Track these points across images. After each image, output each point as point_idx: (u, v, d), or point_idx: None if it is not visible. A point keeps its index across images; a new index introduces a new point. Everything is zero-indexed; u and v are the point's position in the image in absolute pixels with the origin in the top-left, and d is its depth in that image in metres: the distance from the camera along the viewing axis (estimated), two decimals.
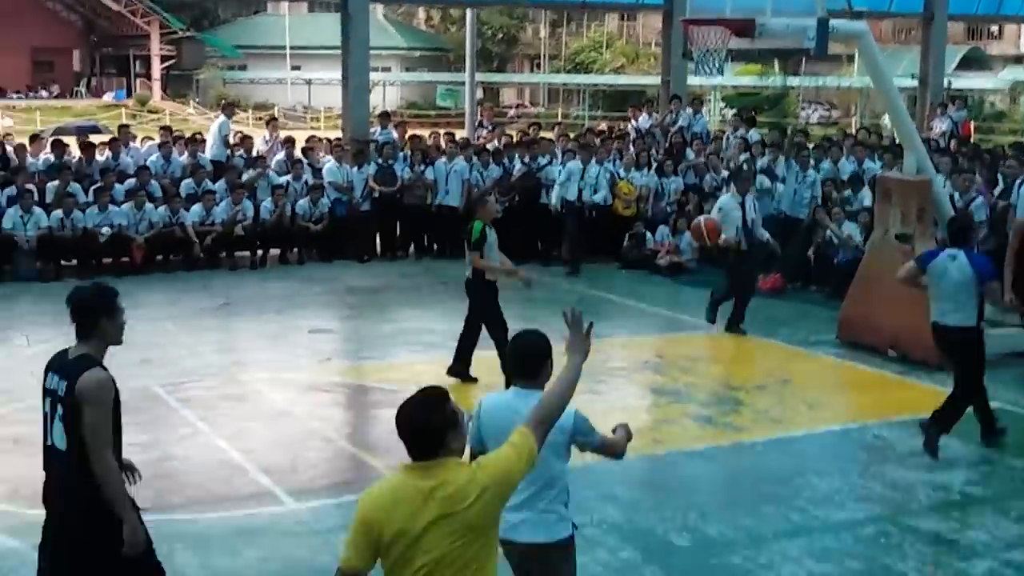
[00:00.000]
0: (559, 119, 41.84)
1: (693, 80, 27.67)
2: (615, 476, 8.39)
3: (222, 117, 19.90)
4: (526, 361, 5.00)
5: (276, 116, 22.00)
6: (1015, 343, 11.87)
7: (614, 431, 5.22)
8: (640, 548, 7.15)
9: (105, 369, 5.12)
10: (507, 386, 5.27)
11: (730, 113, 31.85)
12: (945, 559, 6.91)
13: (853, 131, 30.17)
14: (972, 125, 27.15)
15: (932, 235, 12.32)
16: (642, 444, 9.19)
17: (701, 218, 13.40)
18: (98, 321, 5.21)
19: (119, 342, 5.29)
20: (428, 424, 3.95)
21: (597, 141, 19.50)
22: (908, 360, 11.65)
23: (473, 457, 4.59)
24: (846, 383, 11.62)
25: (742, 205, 13.01)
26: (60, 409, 5.08)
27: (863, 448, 9.29)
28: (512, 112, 54.05)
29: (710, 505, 7.90)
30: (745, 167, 16.48)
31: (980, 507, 7.90)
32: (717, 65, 12.53)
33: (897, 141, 15.80)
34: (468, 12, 28.44)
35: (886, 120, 28.29)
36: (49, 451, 5.20)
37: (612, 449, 5.16)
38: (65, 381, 5.07)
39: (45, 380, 5.20)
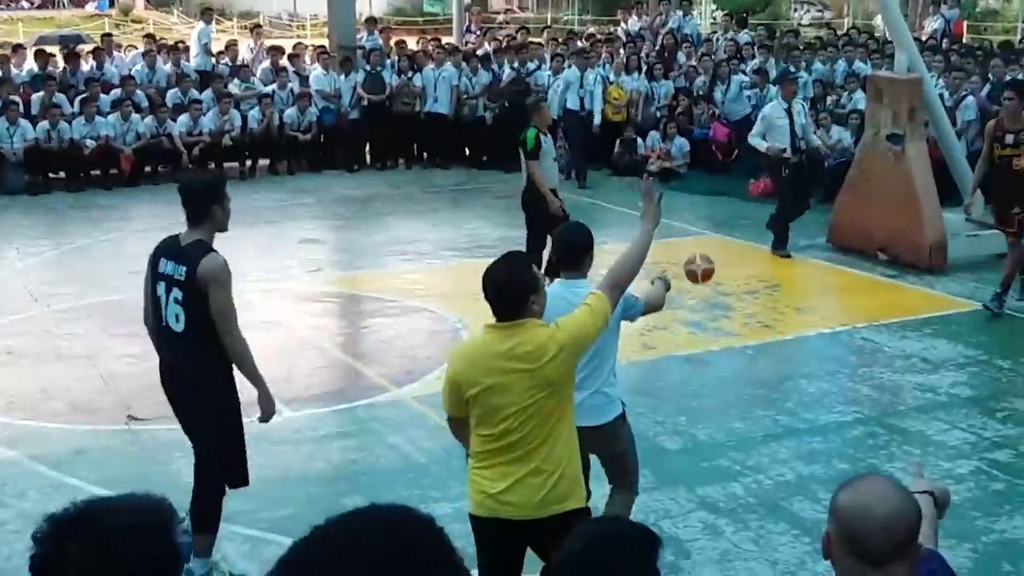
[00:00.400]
0: (548, 23, 41.24)
1: None
2: None
3: (201, 24, 19.64)
4: (572, 252, 5.23)
5: (260, 24, 21.62)
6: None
7: (652, 283, 5.60)
8: None
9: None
10: (551, 278, 5.51)
11: (721, 15, 31.37)
12: (932, 459, 7.00)
13: (845, 31, 29.92)
14: (964, 24, 26.82)
15: (924, 135, 12.29)
16: (633, 349, 9.28)
17: (698, 264, 12.53)
18: (210, 208, 5.46)
19: (226, 228, 5.60)
20: (512, 284, 4.28)
21: (587, 45, 19.24)
22: (899, 263, 11.69)
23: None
24: (836, 287, 11.67)
25: (788, 111, 12.10)
26: (178, 292, 5.36)
27: (852, 351, 9.36)
28: (501, 17, 53.24)
29: (700, 409, 7.98)
30: (792, 68, 15.53)
31: (967, 407, 7.98)
32: None
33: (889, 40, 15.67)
34: None
35: (878, 20, 27.96)
36: (165, 332, 5.50)
37: (655, 305, 5.57)
38: (184, 266, 5.33)
39: (157, 266, 5.46)
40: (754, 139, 12.48)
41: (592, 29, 29.79)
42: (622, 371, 8.74)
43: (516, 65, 18.00)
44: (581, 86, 16.79)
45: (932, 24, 21.64)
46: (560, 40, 20.99)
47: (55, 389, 8.33)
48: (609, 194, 15.92)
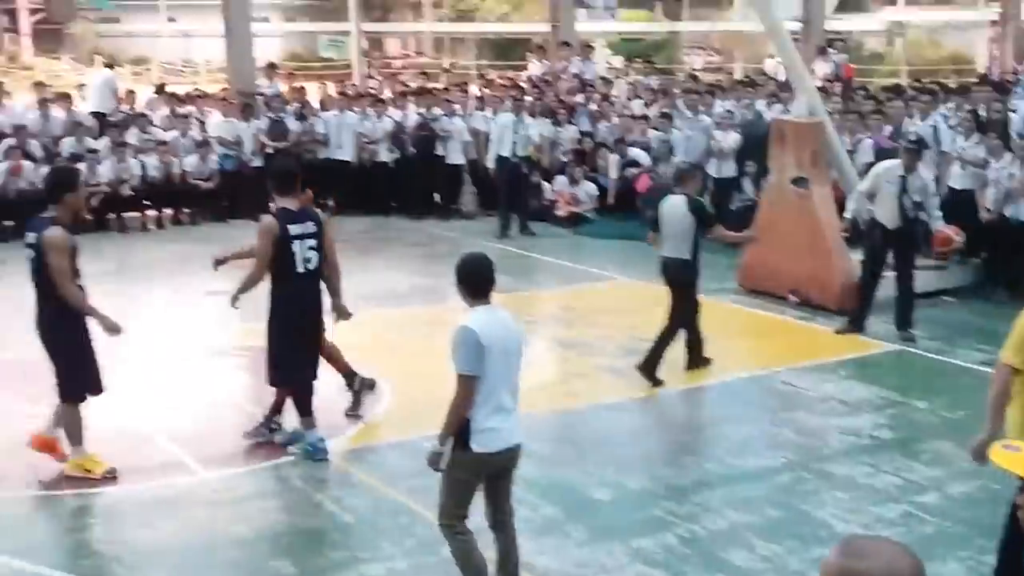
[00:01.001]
0: (448, 68, 41.39)
1: (580, 27, 27.63)
2: (530, 431, 8.25)
3: (108, 72, 19.25)
4: (490, 280, 5.65)
5: (165, 85, 21.23)
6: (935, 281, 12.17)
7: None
8: (561, 504, 7.13)
9: None
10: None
11: (618, 60, 31.82)
12: (861, 504, 7.03)
13: (738, 76, 30.55)
14: (852, 68, 27.59)
15: (829, 178, 12.50)
16: (555, 398, 9.23)
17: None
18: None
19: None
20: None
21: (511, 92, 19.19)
22: (810, 305, 11.84)
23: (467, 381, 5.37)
24: (751, 330, 11.75)
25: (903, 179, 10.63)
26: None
27: (773, 395, 9.41)
28: (399, 63, 53.30)
29: (628, 458, 7.91)
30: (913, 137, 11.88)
31: (890, 450, 8.05)
32: (608, 9, 12.37)
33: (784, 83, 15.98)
34: None
35: (768, 64, 28.58)
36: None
37: None
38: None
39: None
40: (856, 197, 11.29)
41: (493, 74, 29.88)
42: (546, 420, 8.76)
43: (422, 111, 17.91)
44: (515, 132, 16.13)
45: (823, 68, 22.17)
46: (463, 86, 21.03)
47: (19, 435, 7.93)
48: (518, 240, 15.89)
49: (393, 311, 12.01)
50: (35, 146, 16.43)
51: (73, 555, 6.61)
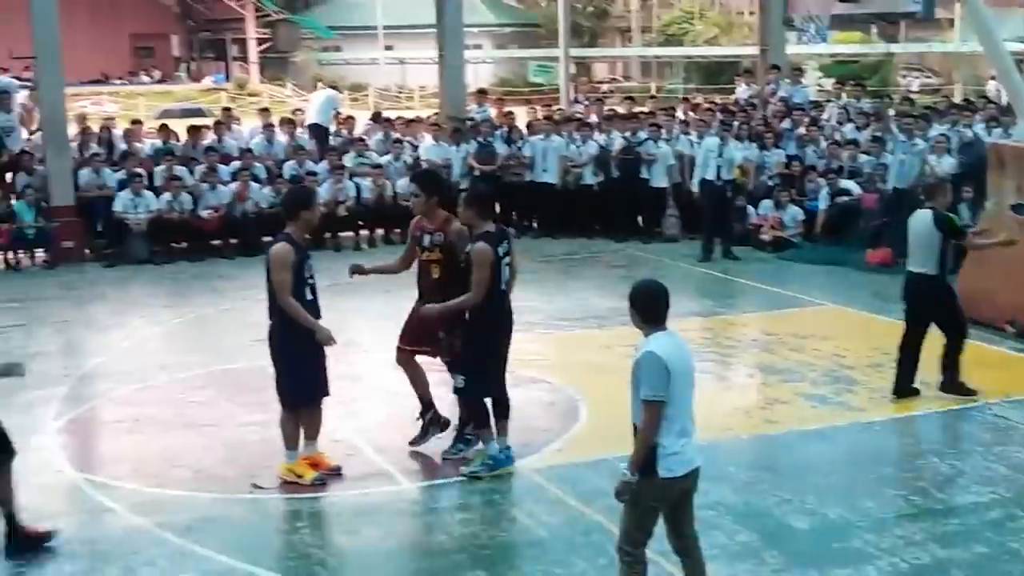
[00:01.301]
0: (653, 93, 41.40)
1: (791, 49, 27.18)
2: (728, 456, 8.31)
3: (331, 91, 20.19)
4: (666, 306, 5.62)
5: (380, 113, 22.04)
6: None
7: None
8: (758, 531, 7.06)
9: None
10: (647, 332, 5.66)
11: (829, 83, 31.14)
12: None
13: (957, 99, 29.41)
14: None
15: None
16: (754, 424, 9.13)
17: None
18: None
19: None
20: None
21: (718, 115, 19.09)
22: None
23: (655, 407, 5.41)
24: (964, 360, 11.29)
25: None
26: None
27: (985, 428, 9.03)
28: (606, 87, 53.64)
29: (829, 487, 7.75)
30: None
31: None
32: (819, 32, 12.12)
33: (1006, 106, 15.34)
34: None
35: (990, 87, 27.45)
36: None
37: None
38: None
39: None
40: None
41: (699, 98, 29.70)
42: (745, 445, 8.69)
43: (627, 134, 18.01)
44: (720, 155, 15.98)
45: None
46: (669, 109, 21.02)
47: (181, 457, 8.45)
48: (722, 263, 15.77)
49: (593, 332, 12.13)
50: (260, 169, 17.36)
51: (281, 556, 6.93)
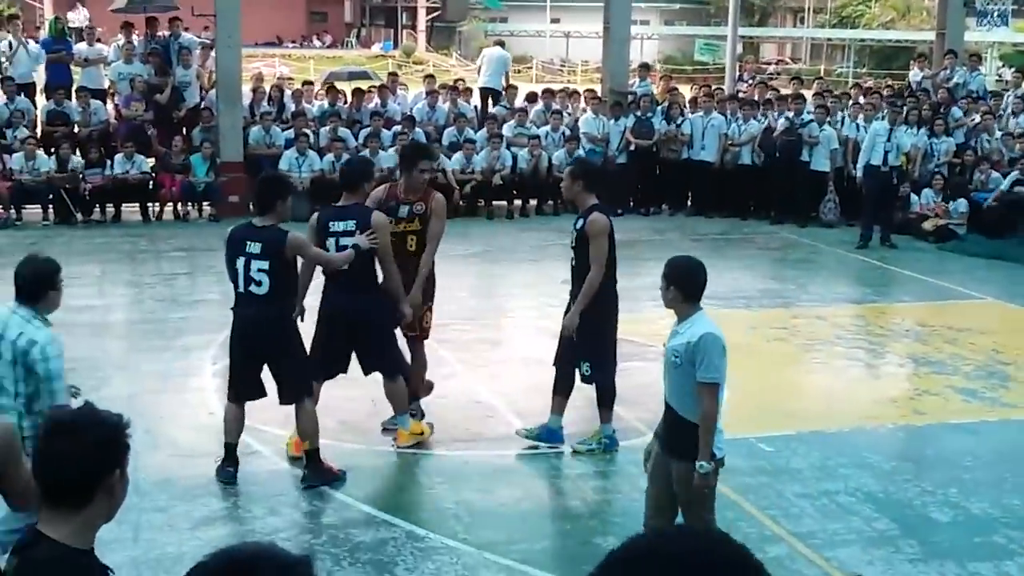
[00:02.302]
0: (821, 75, 40.47)
1: (970, 36, 26.19)
2: (871, 443, 8.17)
3: (501, 50, 20.37)
4: (704, 284, 5.54)
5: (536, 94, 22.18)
6: None
7: None
8: (897, 520, 6.92)
9: None
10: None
11: (1009, 72, 29.87)
12: None
13: None
14: None
15: None
16: (901, 414, 8.93)
17: None
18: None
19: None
20: None
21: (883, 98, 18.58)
22: None
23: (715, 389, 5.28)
24: None
25: None
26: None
27: None
28: (772, 67, 52.63)
29: (974, 481, 7.54)
30: None
31: None
32: (1001, 16, 11.67)
33: None
34: None
35: None
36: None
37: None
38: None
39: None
40: None
41: (870, 83, 28.87)
42: (888, 434, 8.52)
43: (790, 115, 17.67)
44: (888, 140, 15.53)
45: None
46: (835, 93, 20.52)
47: (327, 407, 8.69)
48: (879, 251, 15.38)
49: (740, 312, 12.00)
50: (420, 134, 17.65)
51: (417, 509, 7.11)
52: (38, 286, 5.56)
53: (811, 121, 17.37)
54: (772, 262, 14.91)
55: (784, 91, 20.62)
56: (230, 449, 7.33)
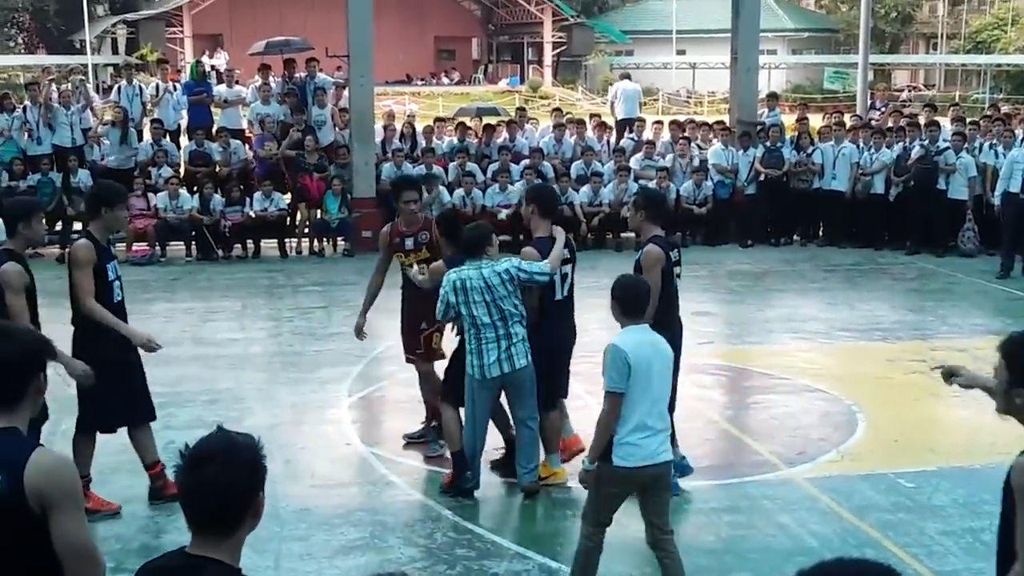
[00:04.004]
0: (956, 101, 39.49)
1: None
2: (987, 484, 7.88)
3: (631, 83, 20.50)
4: (644, 302, 5.91)
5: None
6: None
7: None
8: None
9: None
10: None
11: None
12: None
13: None
14: None
15: None
16: None
17: None
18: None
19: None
20: None
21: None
22: None
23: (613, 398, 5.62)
24: None
25: None
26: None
27: None
28: (905, 94, 51.55)
29: None
30: None
31: None
32: None
33: None
34: None
35: None
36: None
37: None
38: None
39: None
40: None
41: (1006, 108, 28.07)
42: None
43: (925, 143, 17.29)
44: None
45: None
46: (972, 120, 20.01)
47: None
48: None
49: (877, 344, 11.78)
50: (547, 167, 17.80)
51: (550, 541, 7.10)
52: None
53: (947, 148, 16.97)
54: (908, 293, 14.58)
55: (919, 118, 20.20)
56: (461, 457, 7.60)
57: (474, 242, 7.44)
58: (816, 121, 20.47)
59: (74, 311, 7.10)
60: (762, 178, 17.90)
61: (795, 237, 18.24)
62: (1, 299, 6.57)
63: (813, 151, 17.94)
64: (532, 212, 7.80)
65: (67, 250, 7.42)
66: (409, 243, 8.36)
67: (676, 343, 7.30)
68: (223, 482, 2.84)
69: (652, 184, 17.52)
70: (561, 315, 7.86)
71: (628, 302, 5.83)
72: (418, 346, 8.44)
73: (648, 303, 5.99)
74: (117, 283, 7.20)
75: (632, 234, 17.16)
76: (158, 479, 7.45)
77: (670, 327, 7.34)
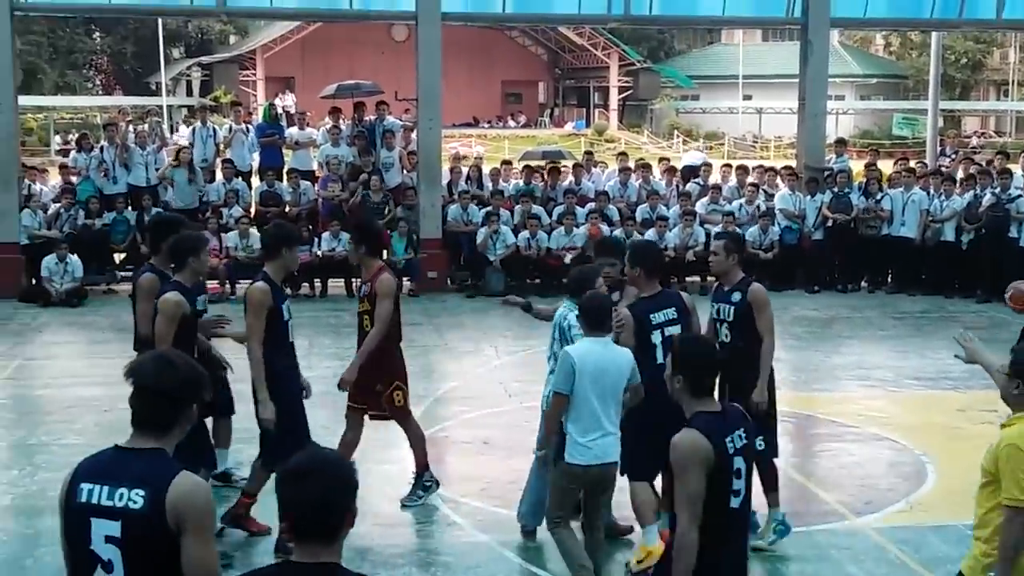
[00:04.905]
0: None
1: None
2: None
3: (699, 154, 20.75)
4: (607, 316, 6.33)
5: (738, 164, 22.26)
6: None
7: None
8: None
9: None
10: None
11: None
12: None
13: None
14: None
15: None
16: None
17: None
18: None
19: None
20: None
21: None
22: None
23: (558, 398, 6.21)
24: None
25: None
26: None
27: None
28: (974, 141, 50.97)
29: None
30: None
31: None
32: None
33: None
34: (933, 36, 27.23)
35: None
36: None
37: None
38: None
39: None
40: None
41: None
42: None
43: (997, 190, 17.08)
44: None
45: None
46: None
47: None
48: None
49: (947, 393, 11.61)
50: (612, 211, 17.84)
51: None
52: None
53: (1019, 196, 16.75)
54: (980, 342, 14.31)
55: (991, 165, 19.96)
56: None
57: (578, 284, 7.05)
58: (884, 167, 20.32)
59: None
60: (830, 224, 17.78)
61: (863, 283, 18.07)
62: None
63: (882, 197, 17.80)
64: (639, 275, 7.22)
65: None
66: (361, 291, 8.10)
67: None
68: (321, 494, 3.11)
69: (718, 229, 17.50)
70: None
71: (592, 317, 6.23)
72: (378, 406, 8.09)
73: (609, 317, 6.34)
74: (291, 323, 7.37)
75: (695, 278, 17.36)
76: (242, 508, 7.62)
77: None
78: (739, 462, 4.64)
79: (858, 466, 9.39)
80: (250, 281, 7.56)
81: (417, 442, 8.27)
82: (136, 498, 3.45)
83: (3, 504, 8.33)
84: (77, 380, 11.97)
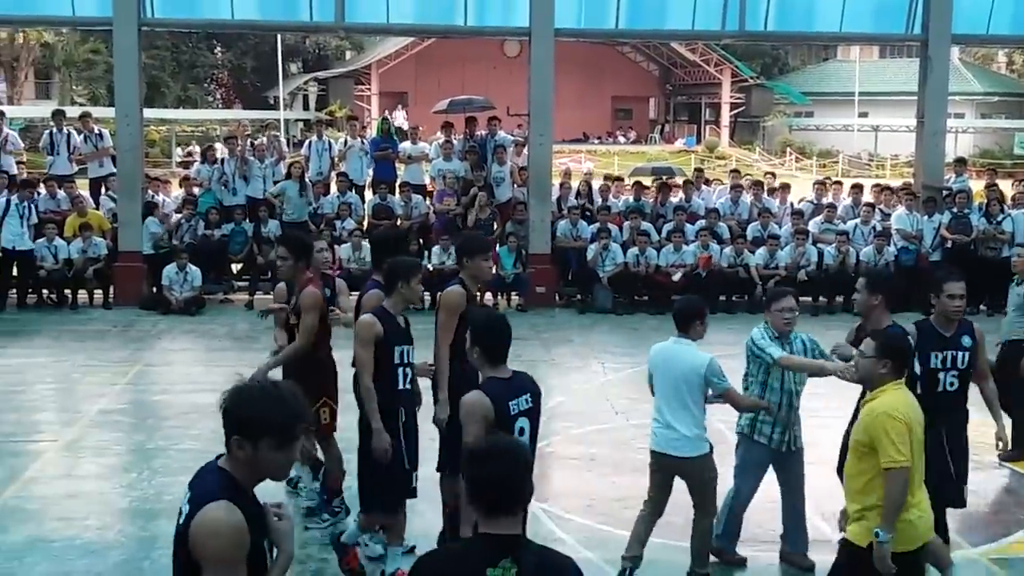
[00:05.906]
0: None
1: None
2: None
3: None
4: (682, 316, 6.99)
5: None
6: None
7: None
8: None
9: None
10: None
11: None
12: None
13: None
14: None
15: None
16: None
17: None
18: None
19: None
20: None
21: None
22: None
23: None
24: None
25: None
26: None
27: None
28: None
29: None
30: None
31: None
32: None
33: None
34: None
35: None
36: None
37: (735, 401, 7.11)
38: None
39: None
40: None
41: None
42: None
43: None
44: None
45: None
46: None
47: (631, 499, 8.74)
48: None
49: None
50: (723, 228, 17.69)
51: None
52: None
53: None
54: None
55: None
56: None
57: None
58: (1005, 187, 19.77)
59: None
60: (948, 245, 17.37)
61: (982, 306, 17.57)
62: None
63: (1004, 219, 17.34)
64: (878, 303, 7.10)
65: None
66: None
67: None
68: (504, 473, 3.52)
69: (831, 248, 17.22)
70: None
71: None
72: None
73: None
74: (402, 369, 6.92)
75: (807, 298, 17.07)
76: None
77: None
78: (522, 422, 5.46)
79: (974, 495, 9.10)
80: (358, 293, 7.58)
81: (334, 464, 8.03)
82: (184, 511, 3.50)
83: (121, 507, 8.59)
84: (194, 386, 12.29)
